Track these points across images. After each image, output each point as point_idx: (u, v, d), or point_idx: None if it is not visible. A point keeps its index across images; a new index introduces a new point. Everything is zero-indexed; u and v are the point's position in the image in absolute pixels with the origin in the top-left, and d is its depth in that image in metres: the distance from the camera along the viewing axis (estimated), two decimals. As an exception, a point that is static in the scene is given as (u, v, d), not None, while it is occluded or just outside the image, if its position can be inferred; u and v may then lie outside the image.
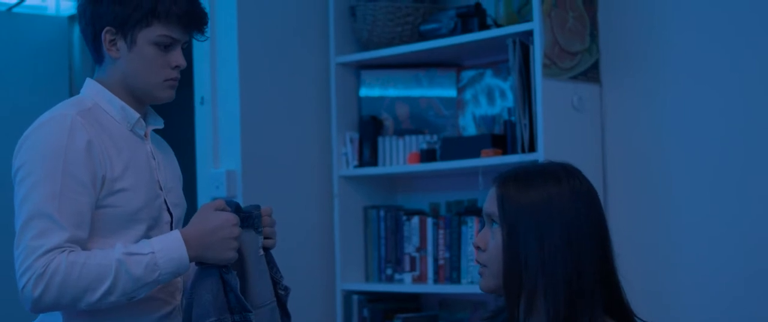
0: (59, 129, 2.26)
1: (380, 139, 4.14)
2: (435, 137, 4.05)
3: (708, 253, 3.54)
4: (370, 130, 4.14)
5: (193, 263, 2.30)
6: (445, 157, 3.90)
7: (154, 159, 2.43)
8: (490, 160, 3.70)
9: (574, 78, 3.67)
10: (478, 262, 2.06)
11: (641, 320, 2.04)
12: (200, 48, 4.01)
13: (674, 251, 3.61)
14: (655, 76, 3.66)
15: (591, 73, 3.73)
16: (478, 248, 2.05)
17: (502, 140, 3.75)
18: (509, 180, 2.01)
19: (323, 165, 4.21)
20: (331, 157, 4.19)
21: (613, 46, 3.75)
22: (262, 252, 2.40)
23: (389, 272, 4.15)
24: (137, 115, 2.39)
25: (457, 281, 3.94)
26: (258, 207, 2.41)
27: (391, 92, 4.21)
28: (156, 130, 2.51)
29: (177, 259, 2.24)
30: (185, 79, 4.08)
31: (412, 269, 4.08)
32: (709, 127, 3.54)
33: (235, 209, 2.34)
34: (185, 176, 2.64)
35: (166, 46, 2.37)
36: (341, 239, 4.14)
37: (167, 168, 2.49)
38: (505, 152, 3.72)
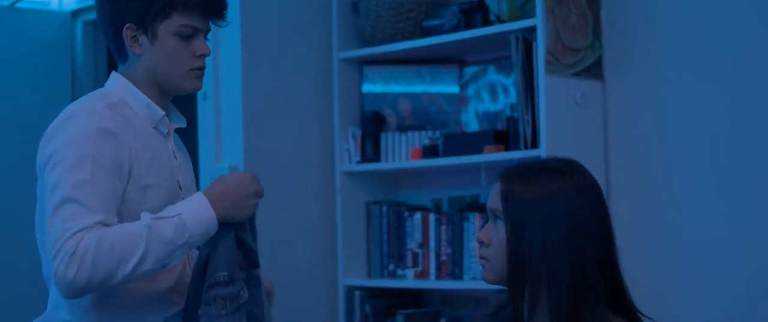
0: (88, 119, 2.25)
1: (383, 135, 4.14)
2: (437, 133, 4.05)
3: (710, 249, 3.54)
4: (373, 126, 4.14)
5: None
6: (447, 154, 3.90)
7: (176, 158, 2.43)
8: (493, 156, 3.70)
9: (577, 74, 3.67)
10: (481, 257, 2.07)
11: (643, 315, 2.04)
12: (203, 43, 4.00)
13: (676, 246, 3.61)
14: (657, 72, 3.66)
15: (594, 70, 3.73)
16: (481, 243, 2.06)
17: (504, 136, 3.75)
18: (513, 176, 2.01)
19: (326, 161, 4.21)
20: (333, 152, 4.19)
21: (616, 43, 3.75)
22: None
23: (391, 267, 4.16)
24: (162, 112, 2.39)
25: (459, 276, 3.94)
26: None
27: (394, 88, 4.21)
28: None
29: (205, 218, 2.23)
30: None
31: (415, 264, 4.08)
32: (711, 124, 3.54)
33: None
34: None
35: (188, 37, 2.35)
36: (343, 234, 4.14)
37: (185, 168, 2.49)
38: (507, 148, 3.72)
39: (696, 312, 3.56)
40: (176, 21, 2.34)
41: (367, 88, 4.22)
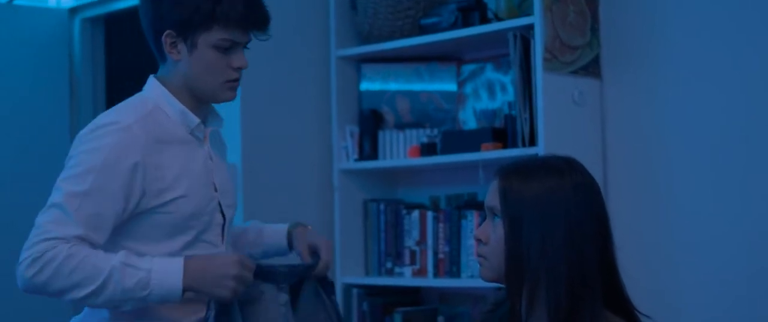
0: (109, 135, 2.29)
1: (380, 133, 4.13)
2: (435, 131, 4.05)
3: (709, 248, 3.54)
4: (371, 124, 4.14)
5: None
6: (445, 151, 3.90)
7: (212, 160, 2.44)
8: (491, 154, 3.70)
9: (575, 72, 3.67)
10: (479, 255, 2.07)
11: (641, 313, 2.04)
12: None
13: (675, 245, 3.61)
14: (655, 71, 3.67)
15: (592, 68, 3.73)
16: (479, 240, 2.06)
17: (502, 134, 3.75)
18: (511, 173, 2.01)
19: (323, 159, 4.21)
20: (331, 150, 4.19)
21: (614, 41, 3.76)
22: (284, 310, 2.43)
23: (389, 265, 4.16)
24: (197, 120, 2.41)
25: (457, 274, 3.94)
26: (305, 266, 2.48)
27: (392, 86, 4.21)
28: None
29: (169, 285, 2.24)
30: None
31: (412, 262, 4.08)
32: (709, 122, 3.54)
33: (261, 265, 2.38)
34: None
35: (226, 49, 2.37)
36: (341, 232, 4.14)
37: (223, 168, 2.51)
38: (505, 146, 3.72)
39: (694, 311, 3.56)
40: (216, 34, 2.35)
41: (365, 86, 4.22)
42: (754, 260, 3.44)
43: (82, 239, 2.23)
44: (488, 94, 4.01)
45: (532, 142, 3.59)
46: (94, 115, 4.84)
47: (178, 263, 2.26)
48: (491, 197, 2.03)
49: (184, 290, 2.25)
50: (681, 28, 3.62)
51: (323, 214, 4.19)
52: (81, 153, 2.29)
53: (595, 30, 3.75)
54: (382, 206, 4.18)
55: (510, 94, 3.88)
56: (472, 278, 3.89)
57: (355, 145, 4.15)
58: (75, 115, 4.80)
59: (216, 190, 2.42)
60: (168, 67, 2.42)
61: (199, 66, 2.37)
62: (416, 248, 4.08)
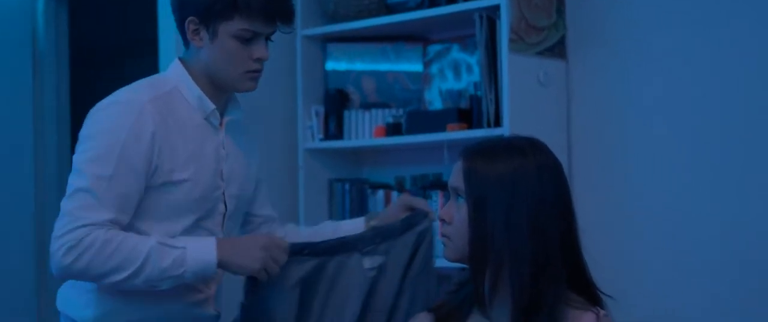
0: (127, 113, 2.30)
1: (346, 113, 4.13)
2: (401, 111, 4.04)
3: (672, 228, 3.56)
4: (336, 104, 4.13)
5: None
6: (410, 131, 3.90)
7: (224, 149, 2.45)
8: (456, 134, 3.71)
9: (541, 53, 3.67)
10: (442, 235, 2.07)
11: (604, 293, 2.05)
12: (165, 19, 3.97)
13: (638, 226, 3.63)
14: (621, 52, 3.68)
15: (557, 49, 3.74)
16: (443, 221, 2.06)
17: (468, 115, 3.75)
18: (475, 154, 2.01)
19: (289, 138, 4.20)
20: (296, 130, 4.18)
21: (580, 23, 3.76)
22: (370, 275, 2.49)
23: (354, 245, 4.15)
24: (212, 106, 2.42)
25: (421, 255, 3.94)
26: (388, 227, 2.56)
27: (358, 66, 4.20)
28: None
29: (204, 260, 2.29)
30: (150, 49, 4.05)
31: (377, 242, 4.08)
32: (673, 103, 3.56)
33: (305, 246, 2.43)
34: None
35: (247, 40, 2.38)
36: (306, 211, 4.14)
37: (239, 158, 2.52)
38: (470, 127, 3.72)
39: (657, 290, 3.58)
40: (237, 24, 2.36)
41: (331, 65, 4.21)
42: (716, 239, 3.47)
43: (113, 223, 2.26)
44: (454, 74, 4.01)
45: (498, 122, 3.60)
46: (58, 92, 4.84)
47: (210, 239, 2.31)
48: (455, 178, 2.03)
49: (218, 265, 2.30)
50: (646, 9, 3.63)
51: (288, 193, 4.18)
52: (100, 133, 2.30)
53: (560, 11, 3.75)
54: (347, 186, 4.18)
55: (476, 75, 3.89)
56: (436, 258, 3.89)
57: (321, 125, 4.14)
58: (38, 91, 4.75)
59: (222, 179, 2.44)
60: (191, 52, 2.45)
61: (219, 54, 2.38)
62: (381, 228, 4.08)
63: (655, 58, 3.60)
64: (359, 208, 4.14)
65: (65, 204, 2.27)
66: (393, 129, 3.96)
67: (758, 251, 3.38)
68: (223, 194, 2.45)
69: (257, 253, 2.30)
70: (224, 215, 2.47)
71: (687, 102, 3.53)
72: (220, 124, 2.46)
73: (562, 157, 2.08)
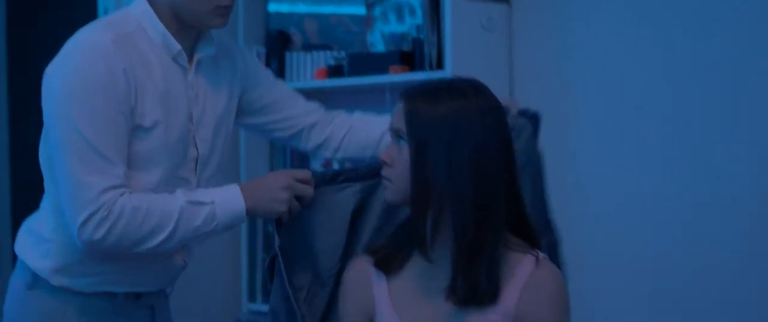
0: (95, 57, 2.16)
1: (288, 55, 4.10)
2: (343, 53, 4.02)
3: (614, 173, 3.58)
4: (278, 46, 4.10)
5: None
6: (352, 74, 3.88)
7: (194, 90, 2.32)
8: (398, 77, 3.69)
9: (484, -3, 3.67)
10: (384, 177, 2.06)
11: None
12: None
13: (578, 171, 3.65)
14: (563, -3, 3.68)
15: (500, -7, 3.73)
16: (384, 163, 2.05)
17: (410, 57, 3.74)
18: (417, 95, 2.00)
19: (229, 79, 4.16)
20: (237, 71, 4.14)
21: (523, -34, 3.76)
22: (350, 211, 2.30)
23: (295, 188, 4.14)
24: (178, 47, 2.28)
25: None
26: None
27: (301, 8, 4.16)
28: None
29: (234, 211, 2.22)
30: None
31: (318, 185, 4.07)
32: (616, 49, 3.57)
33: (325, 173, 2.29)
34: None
35: None
36: (247, 154, 4.11)
37: (210, 98, 2.37)
38: (413, 69, 3.71)
39: (597, 238, 3.61)
40: None
41: (273, 7, 4.17)
42: (659, 179, 3.50)
43: (125, 178, 2.16)
44: (397, 17, 3.99)
45: (440, 66, 3.59)
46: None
47: (235, 188, 2.23)
48: (397, 120, 2.02)
49: (247, 213, 2.23)
50: (590, -46, 3.63)
51: (229, 135, 4.14)
52: (72, 88, 2.14)
53: (504, -45, 3.74)
54: (288, 129, 4.15)
55: (418, 18, 3.87)
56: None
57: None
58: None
59: (192, 122, 2.31)
60: None
61: None
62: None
63: (598, 3, 3.60)
64: (300, 151, 4.12)
65: (67, 171, 2.14)
66: (335, 71, 3.94)
67: (693, 194, 3.42)
68: (194, 137, 2.32)
69: (281, 194, 2.21)
70: (196, 160, 2.34)
71: (630, 47, 3.54)
72: (189, 63, 2.32)
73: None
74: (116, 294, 2.35)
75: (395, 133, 2.03)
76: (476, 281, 1.97)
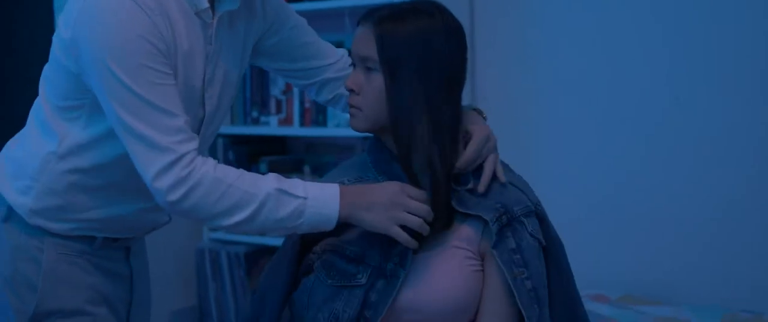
0: (125, 12, 2.00)
1: (244, -21, 4.03)
2: (301, -23, 3.97)
3: (573, 96, 3.59)
4: (234, -30, 4.03)
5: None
6: (311, -2, 3.85)
7: (211, 45, 2.19)
8: (358, 0, 3.66)
9: None
10: (351, 105, 2.02)
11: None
12: None
13: (538, 93, 3.65)
14: None
15: None
16: (351, 90, 2.01)
17: (369, -19, 3.70)
18: (384, 18, 1.96)
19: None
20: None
21: None
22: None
23: (255, 114, 4.11)
24: (206, 4, 2.14)
25: (323, 124, 3.92)
26: None
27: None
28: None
29: (324, 215, 2.02)
30: None
31: (278, 111, 4.05)
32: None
33: None
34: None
35: None
36: (205, 81, 4.07)
37: (223, 56, 2.24)
38: (372, -8, 3.68)
39: (556, 157, 3.63)
40: None
41: (229, -70, 4.09)
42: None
43: (187, 125, 2.02)
44: (355, -60, 3.93)
45: (400, -11, 3.55)
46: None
47: (334, 189, 2.04)
48: (363, 46, 1.97)
49: (339, 220, 2.03)
50: None
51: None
52: (113, 49, 1.99)
53: None
54: (246, 55, 4.11)
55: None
56: (338, 127, 3.87)
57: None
58: None
59: (204, 81, 2.19)
60: None
61: None
62: (282, 98, 4.04)
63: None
64: (260, 77, 4.09)
65: (129, 126, 2.00)
66: (293, -4, 3.89)
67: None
68: (203, 96, 2.20)
69: (384, 213, 1.99)
70: (202, 119, 2.22)
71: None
72: (212, 20, 2.18)
73: (465, 27, 2.05)
74: (95, 238, 2.31)
75: (361, 60, 1.99)
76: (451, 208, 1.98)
